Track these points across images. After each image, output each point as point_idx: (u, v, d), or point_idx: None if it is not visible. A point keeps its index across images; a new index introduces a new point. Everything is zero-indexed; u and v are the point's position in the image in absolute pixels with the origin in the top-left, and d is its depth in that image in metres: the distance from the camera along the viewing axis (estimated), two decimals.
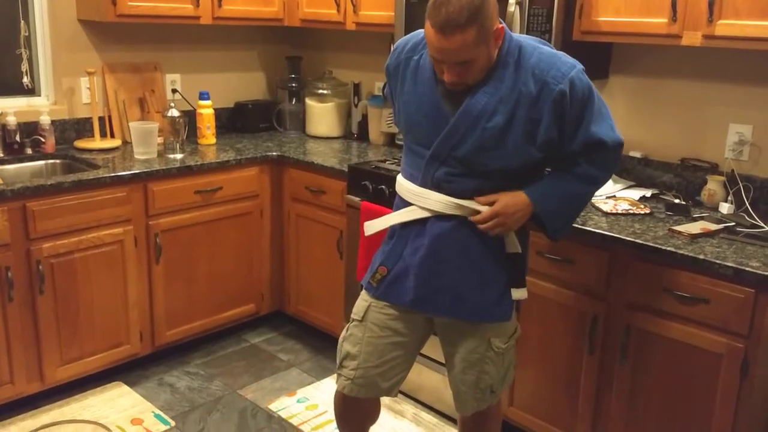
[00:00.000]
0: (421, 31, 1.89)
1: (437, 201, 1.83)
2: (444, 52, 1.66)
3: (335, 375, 2.07)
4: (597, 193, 2.58)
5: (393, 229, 1.96)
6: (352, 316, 2.03)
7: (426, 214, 1.86)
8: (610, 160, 1.85)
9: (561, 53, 1.78)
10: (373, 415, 2.21)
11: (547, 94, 1.70)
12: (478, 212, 1.81)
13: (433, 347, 2.68)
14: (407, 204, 1.91)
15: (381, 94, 2.32)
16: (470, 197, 1.82)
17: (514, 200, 1.80)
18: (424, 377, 2.81)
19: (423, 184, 1.86)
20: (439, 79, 1.77)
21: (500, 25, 1.70)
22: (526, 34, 2.53)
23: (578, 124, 1.76)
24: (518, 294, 1.93)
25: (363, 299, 2.01)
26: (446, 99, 1.80)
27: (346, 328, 2.05)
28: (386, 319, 1.96)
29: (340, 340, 2.05)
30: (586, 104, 1.76)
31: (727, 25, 2.16)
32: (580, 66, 1.76)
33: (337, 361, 2.05)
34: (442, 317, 1.95)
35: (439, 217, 1.84)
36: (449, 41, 1.62)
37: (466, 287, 1.86)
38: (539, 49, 1.77)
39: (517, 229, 1.87)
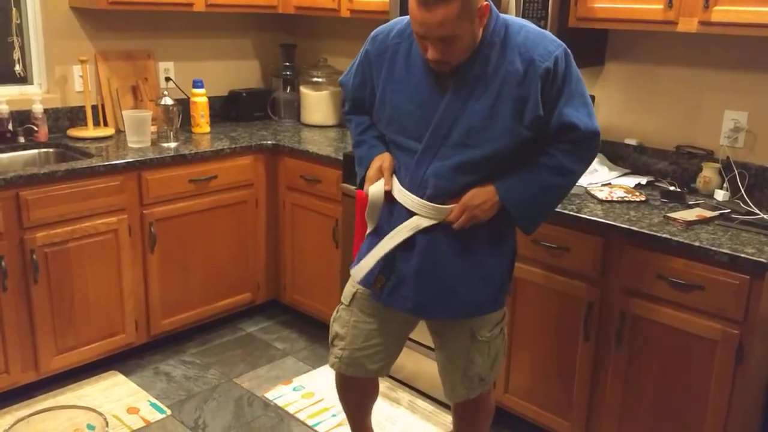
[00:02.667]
0: (402, 18, 1.88)
1: (419, 204, 1.81)
2: (426, 26, 1.64)
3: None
4: (592, 181, 2.58)
5: (379, 225, 1.93)
6: (342, 299, 2.06)
7: (409, 234, 1.83)
8: (583, 149, 1.79)
9: (548, 33, 1.78)
10: (370, 392, 2.23)
11: (533, 72, 1.69)
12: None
13: (426, 334, 2.68)
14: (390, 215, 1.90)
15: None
16: (440, 198, 1.81)
17: (480, 191, 1.79)
18: (421, 365, 2.81)
19: (411, 184, 1.83)
20: (427, 63, 1.75)
21: (485, 2, 1.68)
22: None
23: (555, 103, 1.73)
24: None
25: (351, 285, 2.03)
26: (436, 86, 1.78)
27: (336, 309, 2.09)
28: (371, 306, 1.98)
29: (331, 319, 2.09)
30: (565, 84, 1.73)
31: (723, 11, 2.16)
32: (565, 48, 1.76)
33: (329, 340, 2.10)
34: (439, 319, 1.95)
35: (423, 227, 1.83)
36: (432, 14, 1.61)
37: (462, 289, 1.86)
38: (526, 27, 1.76)
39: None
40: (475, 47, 1.72)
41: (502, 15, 1.77)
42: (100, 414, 2.63)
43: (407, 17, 1.77)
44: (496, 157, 1.77)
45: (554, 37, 1.76)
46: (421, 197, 1.81)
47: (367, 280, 1.94)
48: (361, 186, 1.98)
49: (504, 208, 1.82)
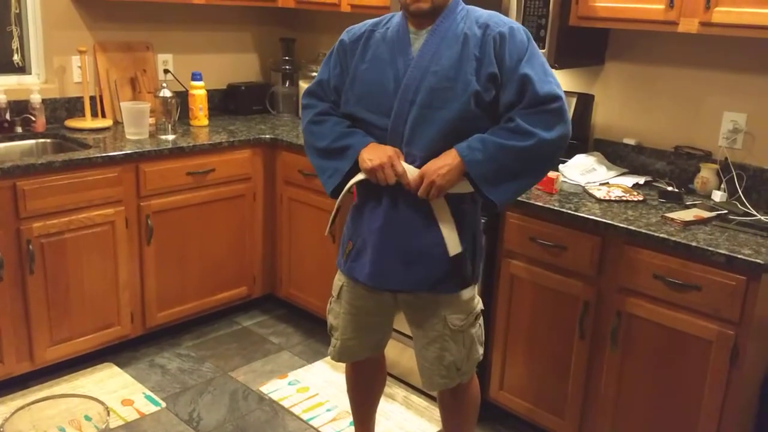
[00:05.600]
0: (377, 18, 1.99)
1: (405, 167, 1.86)
2: None
3: (327, 357, 2.14)
4: (590, 180, 2.58)
5: (355, 204, 2.00)
6: (332, 292, 2.14)
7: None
8: (544, 113, 1.76)
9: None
10: (376, 377, 2.31)
11: (488, 35, 1.81)
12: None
13: None
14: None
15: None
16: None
17: (440, 156, 1.82)
18: (414, 361, 2.81)
19: None
20: (401, 40, 1.86)
21: None
22: (523, 19, 2.53)
23: (515, 66, 1.78)
24: (452, 248, 1.88)
25: (338, 279, 2.11)
26: (405, 58, 1.85)
27: (329, 301, 2.17)
28: (356, 298, 2.05)
29: (327, 311, 2.18)
30: (524, 51, 1.79)
31: (724, 13, 2.16)
32: (526, 29, 1.86)
33: (327, 330, 2.19)
34: (396, 291, 1.99)
35: (391, 190, 1.87)
36: None
37: (414, 259, 1.89)
38: (487, 11, 1.89)
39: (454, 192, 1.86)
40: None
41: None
42: (101, 402, 2.61)
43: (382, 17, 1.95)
44: (461, 119, 1.80)
45: (517, 22, 1.89)
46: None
47: (340, 253, 2.05)
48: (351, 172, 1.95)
49: (467, 177, 1.82)
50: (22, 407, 2.27)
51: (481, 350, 2.09)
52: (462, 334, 2.00)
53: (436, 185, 1.80)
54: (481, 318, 2.07)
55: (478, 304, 2.05)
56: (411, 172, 1.83)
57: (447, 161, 1.80)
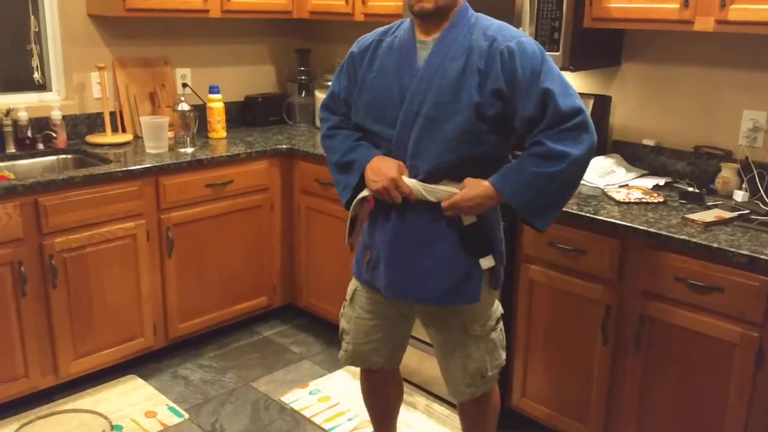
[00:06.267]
0: (386, 26, 1.98)
1: (411, 184, 1.85)
2: None
3: (348, 366, 2.14)
4: (609, 182, 2.56)
5: (371, 213, 2.01)
6: (346, 296, 2.14)
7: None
8: (571, 130, 1.72)
9: (523, 32, 1.85)
10: (393, 395, 2.31)
11: (495, 48, 1.76)
12: (450, 195, 1.82)
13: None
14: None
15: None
16: (436, 179, 1.84)
17: (473, 187, 1.80)
18: (437, 369, 2.79)
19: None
20: (408, 49, 1.85)
21: None
22: (536, 20, 2.52)
23: (531, 81, 1.73)
24: (484, 263, 1.89)
25: (352, 283, 2.12)
26: (412, 69, 1.84)
27: (342, 305, 2.17)
28: (369, 303, 2.05)
29: (339, 315, 2.18)
30: (539, 64, 1.74)
31: (740, 10, 2.13)
32: (538, 43, 1.79)
33: (339, 334, 2.19)
34: (414, 303, 1.97)
35: (400, 204, 1.87)
36: None
37: (429, 270, 1.87)
38: (497, 21, 1.85)
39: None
40: (453, 3, 1.82)
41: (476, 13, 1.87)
42: (105, 418, 2.64)
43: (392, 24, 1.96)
44: (466, 132, 1.78)
45: (527, 35, 1.82)
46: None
47: (359, 260, 2.05)
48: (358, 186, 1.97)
49: (497, 204, 1.84)
50: (25, 424, 2.28)
51: (503, 355, 2.07)
52: (484, 339, 1.98)
53: (461, 211, 1.82)
54: (501, 322, 2.06)
55: (498, 309, 2.04)
56: (424, 190, 1.83)
57: (481, 192, 1.80)
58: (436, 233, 1.86)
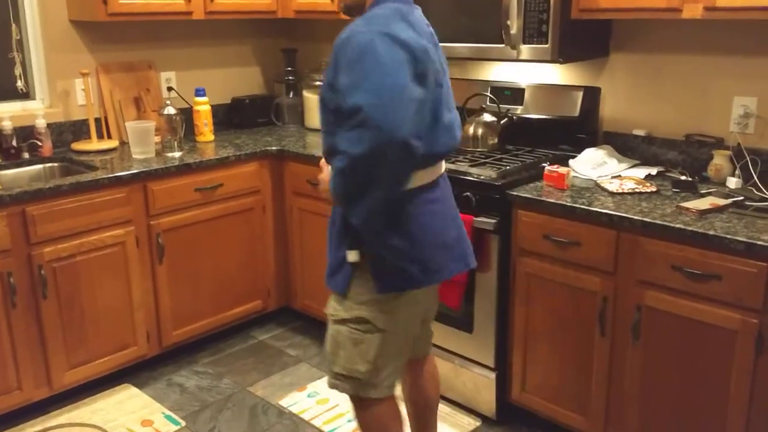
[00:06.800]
0: (386, 11, 1.78)
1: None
2: None
3: None
4: (602, 173, 2.55)
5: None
6: None
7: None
8: (352, 130, 1.61)
9: (382, 19, 1.71)
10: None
11: (337, 42, 1.75)
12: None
13: (442, 336, 2.66)
14: None
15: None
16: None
17: (328, 173, 1.86)
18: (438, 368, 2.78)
19: None
20: None
21: None
22: (524, 13, 2.50)
23: (336, 77, 1.71)
24: (350, 256, 1.87)
25: None
26: None
27: None
28: None
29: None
30: (354, 57, 1.65)
31: None
32: (379, 31, 1.66)
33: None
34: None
35: None
36: None
37: (330, 258, 1.99)
38: (373, 14, 1.75)
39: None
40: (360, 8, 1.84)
41: (395, 5, 1.77)
42: (101, 429, 2.61)
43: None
44: (324, 125, 1.83)
45: (373, 24, 1.70)
46: None
47: None
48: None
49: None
50: None
51: (352, 366, 1.94)
52: (332, 332, 2.00)
53: (322, 194, 1.94)
54: (359, 333, 1.92)
55: (364, 316, 1.90)
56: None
57: (325, 178, 1.88)
58: (334, 220, 1.96)
